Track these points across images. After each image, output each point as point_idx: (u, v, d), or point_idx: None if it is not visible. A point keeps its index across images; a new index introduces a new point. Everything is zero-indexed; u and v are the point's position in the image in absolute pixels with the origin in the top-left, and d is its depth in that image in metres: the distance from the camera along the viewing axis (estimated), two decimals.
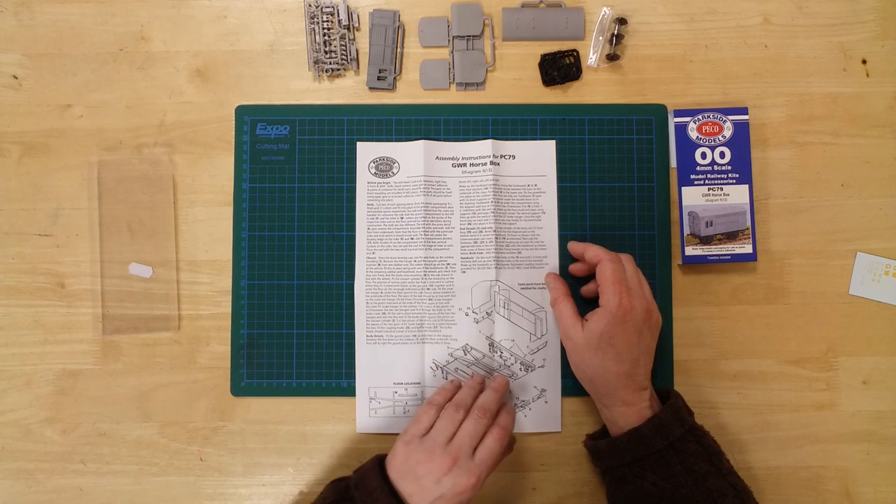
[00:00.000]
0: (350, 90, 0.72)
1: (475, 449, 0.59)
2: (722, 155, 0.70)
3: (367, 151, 0.70)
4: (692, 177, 0.70)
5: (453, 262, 0.69)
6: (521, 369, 0.68)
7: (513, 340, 0.68)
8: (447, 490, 0.57)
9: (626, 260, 0.64)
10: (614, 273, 0.62)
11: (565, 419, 0.69)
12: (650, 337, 0.63)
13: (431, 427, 0.61)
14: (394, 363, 0.69)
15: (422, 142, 0.70)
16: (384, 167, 0.70)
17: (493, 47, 0.72)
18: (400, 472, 0.59)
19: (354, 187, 0.70)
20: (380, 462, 0.60)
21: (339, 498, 0.59)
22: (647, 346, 0.62)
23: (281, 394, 0.69)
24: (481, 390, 0.64)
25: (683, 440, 0.60)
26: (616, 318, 0.60)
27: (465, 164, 0.70)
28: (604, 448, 0.62)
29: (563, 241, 0.70)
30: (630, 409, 0.61)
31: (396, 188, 0.70)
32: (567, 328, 0.63)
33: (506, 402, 0.65)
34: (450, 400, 0.62)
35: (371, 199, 0.70)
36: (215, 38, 0.72)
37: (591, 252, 0.64)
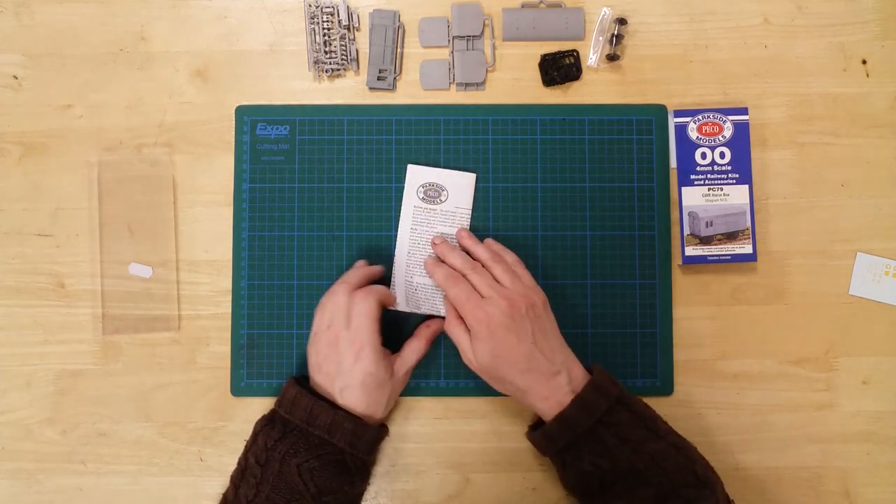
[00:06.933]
0: (350, 90, 0.72)
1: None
2: (722, 155, 0.70)
3: (417, 175, 0.70)
4: (692, 177, 0.70)
5: None
6: None
7: None
8: (343, 365, 0.61)
9: (481, 250, 0.65)
10: (457, 297, 0.62)
11: None
12: (533, 325, 0.60)
13: None
14: None
15: (473, 175, 0.70)
16: (433, 194, 0.69)
17: (493, 47, 0.72)
18: (311, 372, 0.63)
19: (354, 188, 0.70)
20: (295, 379, 0.64)
21: (267, 422, 0.62)
22: (534, 336, 0.60)
23: None
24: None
25: (612, 412, 0.59)
26: (485, 337, 0.60)
27: None
28: (539, 438, 0.62)
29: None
30: (549, 402, 0.60)
31: (443, 216, 0.69)
32: (465, 355, 0.63)
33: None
34: None
35: (415, 223, 0.69)
36: (215, 38, 0.72)
37: (434, 274, 0.65)
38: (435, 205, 0.69)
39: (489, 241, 0.68)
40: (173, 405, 0.70)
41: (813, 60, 0.72)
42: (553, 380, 0.60)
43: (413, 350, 0.65)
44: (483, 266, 0.64)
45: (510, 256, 0.66)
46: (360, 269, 0.66)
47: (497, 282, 0.62)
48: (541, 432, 0.62)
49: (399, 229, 0.69)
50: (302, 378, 0.65)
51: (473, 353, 0.61)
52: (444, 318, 0.66)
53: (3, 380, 0.70)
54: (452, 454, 0.69)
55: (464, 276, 0.63)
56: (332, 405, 0.60)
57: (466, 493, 0.69)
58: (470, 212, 0.69)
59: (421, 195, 0.69)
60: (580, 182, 0.70)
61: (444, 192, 0.69)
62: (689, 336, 0.70)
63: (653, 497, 0.57)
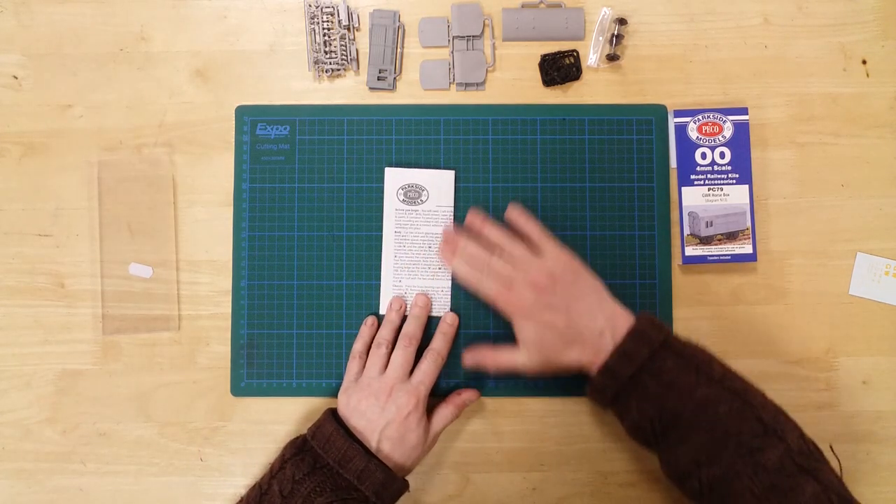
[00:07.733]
0: (350, 90, 0.72)
1: (410, 374, 0.64)
2: (722, 155, 0.70)
3: (395, 178, 0.70)
4: (692, 177, 0.70)
5: None
6: None
7: None
8: (392, 414, 0.62)
9: (495, 233, 0.65)
10: (488, 294, 0.63)
11: (565, 419, 0.69)
12: (565, 295, 0.61)
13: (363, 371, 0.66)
14: None
15: (451, 172, 0.70)
16: (413, 195, 0.69)
17: (493, 47, 0.72)
18: (347, 414, 0.63)
19: (354, 188, 0.70)
20: (332, 412, 0.64)
21: (297, 451, 0.61)
22: (569, 305, 0.61)
23: (281, 394, 0.69)
24: (400, 322, 0.68)
25: (656, 359, 0.58)
26: (523, 319, 0.62)
27: None
28: (589, 392, 0.62)
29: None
30: (598, 363, 0.60)
31: (425, 216, 0.69)
32: (514, 365, 0.63)
33: (445, 330, 0.67)
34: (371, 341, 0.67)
35: (399, 226, 0.69)
36: (215, 38, 0.72)
37: (456, 270, 0.65)
38: (416, 206, 0.69)
39: (513, 210, 0.67)
40: (173, 405, 0.70)
41: (813, 60, 0.72)
42: (598, 341, 0.60)
43: (443, 417, 0.65)
44: (500, 249, 0.64)
45: (535, 230, 0.65)
46: (418, 319, 0.67)
47: (518, 262, 0.63)
48: (589, 386, 0.61)
49: (383, 233, 0.69)
50: (335, 411, 0.65)
51: (518, 335, 0.62)
52: (475, 388, 0.68)
53: (3, 380, 0.70)
54: (452, 454, 0.69)
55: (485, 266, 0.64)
56: (366, 451, 0.60)
57: (466, 493, 0.69)
58: (452, 209, 0.69)
59: (401, 197, 0.69)
60: (580, 182, 0.70)
61: (425, 192, 0.69)
62: (689, 336, 0.70)
63: (706, 444, 0.55)
